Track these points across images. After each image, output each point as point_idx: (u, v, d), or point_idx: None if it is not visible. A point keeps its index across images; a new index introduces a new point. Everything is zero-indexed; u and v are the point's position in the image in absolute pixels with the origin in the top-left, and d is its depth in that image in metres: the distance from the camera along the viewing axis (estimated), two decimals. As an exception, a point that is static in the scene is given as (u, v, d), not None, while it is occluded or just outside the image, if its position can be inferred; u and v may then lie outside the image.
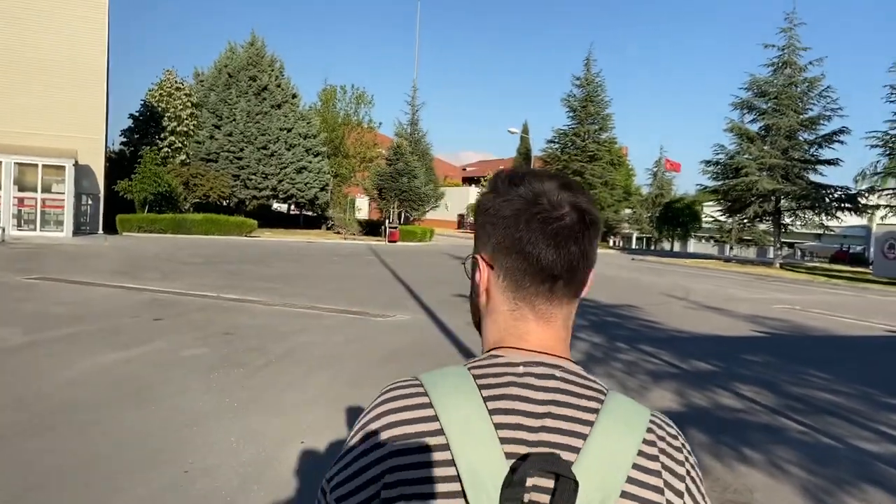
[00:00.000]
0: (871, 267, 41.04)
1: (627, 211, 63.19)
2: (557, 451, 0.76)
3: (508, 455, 0.75)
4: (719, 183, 35.27)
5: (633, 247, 67.67)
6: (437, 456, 0.76)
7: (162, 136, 40.13)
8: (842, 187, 33.05)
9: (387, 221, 37.65)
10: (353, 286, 14.04)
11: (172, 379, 5.79)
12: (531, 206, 0.85)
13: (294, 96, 44.65)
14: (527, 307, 0.86)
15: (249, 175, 39.98)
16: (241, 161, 39.68)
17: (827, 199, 32.39)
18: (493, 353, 0.86)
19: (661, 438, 0.82)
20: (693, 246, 64.68)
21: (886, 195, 30.86)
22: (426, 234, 39.28)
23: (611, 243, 68.76)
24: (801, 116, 33.12)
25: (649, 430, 0.81)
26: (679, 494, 0.80)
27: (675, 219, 56.71)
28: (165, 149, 40.54)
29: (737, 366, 7.97)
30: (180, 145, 40.71)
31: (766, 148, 33.46)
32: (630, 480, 0.77)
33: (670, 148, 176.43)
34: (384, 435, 0.79)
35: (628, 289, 17.54)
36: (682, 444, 0.84)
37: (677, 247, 63.80)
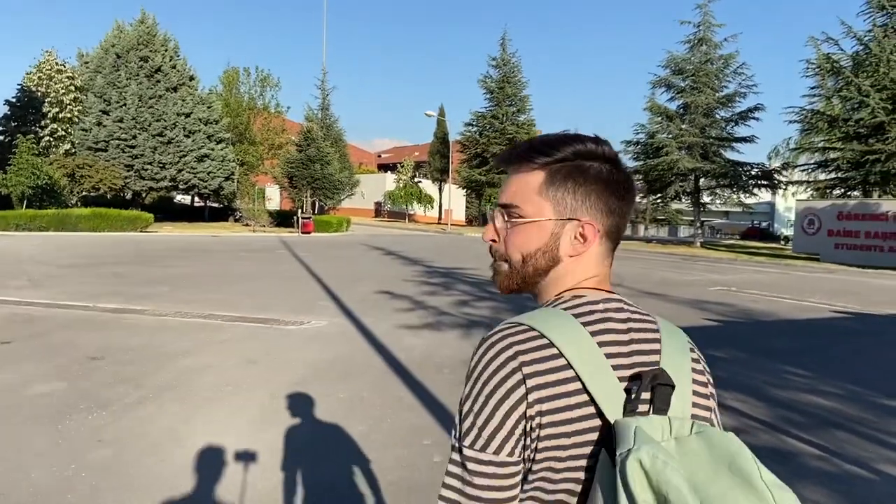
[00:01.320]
0: (789, 243, 42.81)
1: (544, 194, 63.27)
2: (646, 366, 0.93)
3: (619, 377, 0.90)
4: (640, 163, 35.34)
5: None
6: (572, 386, 0.88)
7: (42, 123, 36.72)
8: (758, 164, 33.75)
9: (299, 211, 35.76)
10: (260, 287, 12.54)
11: (1, 435, 4.32)
12: (615, 170, 1.01)
13: (192, 78, 41.79)
14: (610, 257, 1.04)
15: (144, 164, 37.11)
16: (135, 150, 36.74)
17: (744, 177, 32.96)
18: (572, 293, 0.99)
19: (700, 357, 1.05)
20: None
21: (800, 171, 31.61)
22: (342, 224, 37.67)
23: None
24: (718, 94, 33.54)
25: (692, 349, 1.03)
26: (715, 400, 1.02)
27: (594, 200, 57.02)
28: (46, 137, 37.15)
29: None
30: (63, 133, 37.43)
31: (684, 126, 33.71)
32: (693, 391, 0.97)
33: (586, 130, 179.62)
34: (524, 373, 0.88)
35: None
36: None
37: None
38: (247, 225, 40.60)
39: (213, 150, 42.06)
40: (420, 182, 65.93)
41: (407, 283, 13.69)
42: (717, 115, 34.06)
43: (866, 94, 22.77)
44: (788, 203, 46.08)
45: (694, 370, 0.99)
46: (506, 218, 1.04)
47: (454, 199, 61.76)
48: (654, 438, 0.81)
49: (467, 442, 0.89)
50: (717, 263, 23.95)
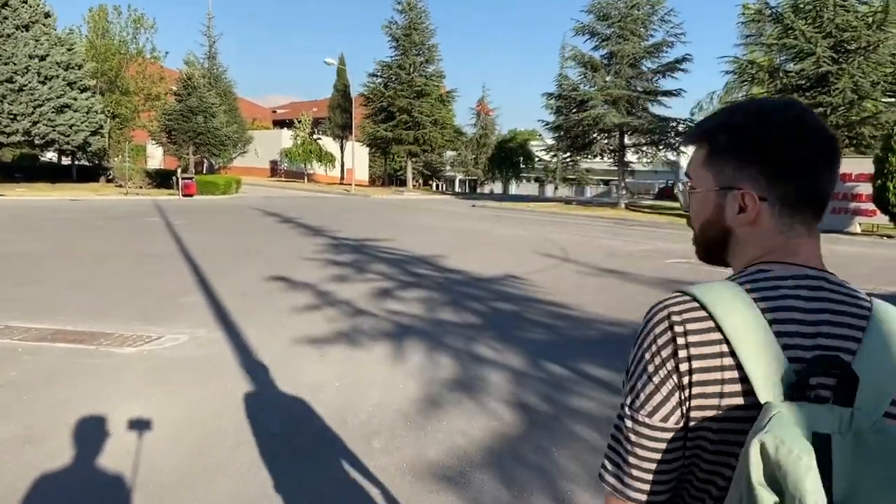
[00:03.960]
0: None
1: (451, 153, 61.22)
2: (832, 352, 0.86)
3: (791, 359, 0.85)
4: (562, 118, 33.45)
5: (458, 190, 66.06)
6: (726, 361, 0.86)
7: None
8: (685, 120, 32.64)
9: (178, 171, 31.82)
10: (104, 274, 9.56)
11: None
12: (811, 137, 0.95)
13: (48, 15, 36.54)
14: (802, 226, 0.97)
15: (-11, 116, 32.02)
16: (-25, 98, 31.56)
17: (672, 134, 31.74)
18: (759, 267, 0.96)
19: None
20: (515, 188, 64.16)
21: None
22: (231, 185, 34.01)
23: (433, 187, 66.77)
24: (645, 43, 31.98)
25: None
26: None
27: (509, 158, 55.42)
28: None
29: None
30: None
31: (609, 78, 32.04)
32: None
33: (502, 82, 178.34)
34: (677, 343, 0.89)
35: (494, 247, 14.52)
36: None
37: (505, 189, 62.93)
38: (119, 186, 36.18)
39: (75, 99, 37.16)
40: (320, 139, 62.13)
41: (308, 264, 11.03)
42: (644, 67, 32.59)
43: (813, 41, 21.54)
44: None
45: None
46: (688, 190, 1.06)
47: (358, 157, 58.52)
48: (812, 428, 0.77)
49: (627, 401, 0.93)
50: (655, 229, 22.43)
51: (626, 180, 59.58)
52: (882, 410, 0.83)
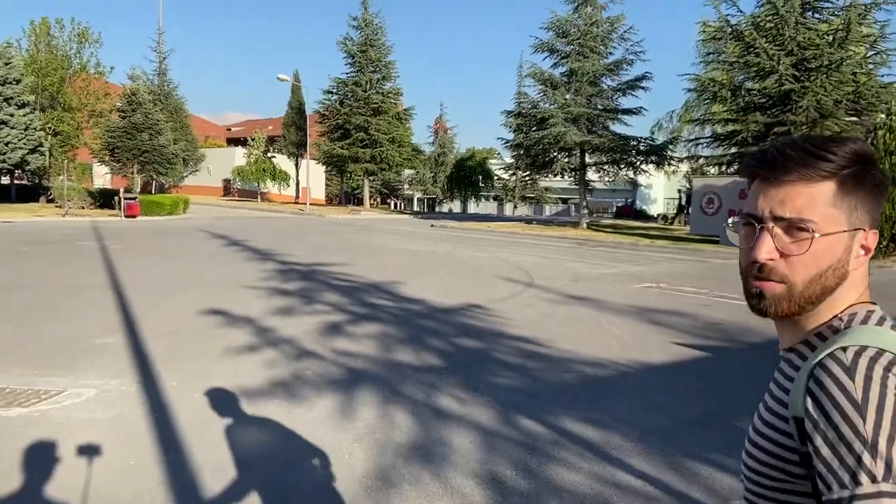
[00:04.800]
0: (667, 222, 42.59)
1: (409, 171, 60.59)
2: None
3: None
4: (522, 136, 32.99)
5: (416, 209, 65.35)
6: None
7: None
8: (646, 138, 32.48)
9: (121, 191, 30.38)
10: (14, 307, 8.49)
11: None
12: (880, 173, 1.00)
13: (-20, 26, 34.91)
14: (867, 269, 1.03)
15: (-88, 131, 30.26)
16: None
17: (633, 152, 31.51)
18: (865, 308, 1.00)
19: None
20: (475, 206, 63.80)
21: (692, 146, 30.47)
22: (178, 206, 32.64)
23: (391, 206, 65.97)
24: (605, 60, 31.79)
25: None
26: None
27: (468, 177, 54.93)
28: None
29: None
30: None
31: (569, 96, 31.74)
32: None
33: (460, 99, 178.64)
34: None
35: (454, 272, 13.74)
36: None
37: (464, 208, 62.43)
38: (59, 207, 34.46)
39: (11, 115, 35.70)
40: (274, 157, 60.82)
41: (251, 294, 10.10)
42: (604, 85, 32.39)
43: (776, 59, 21.41)
44: (650, 180, 45.69)
45: None
46: (792, 234, 0.98)
47: (313, 176, 57.38)
48: None
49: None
50: (619, 249, 21.95)
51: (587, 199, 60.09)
52: None
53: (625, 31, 31.59)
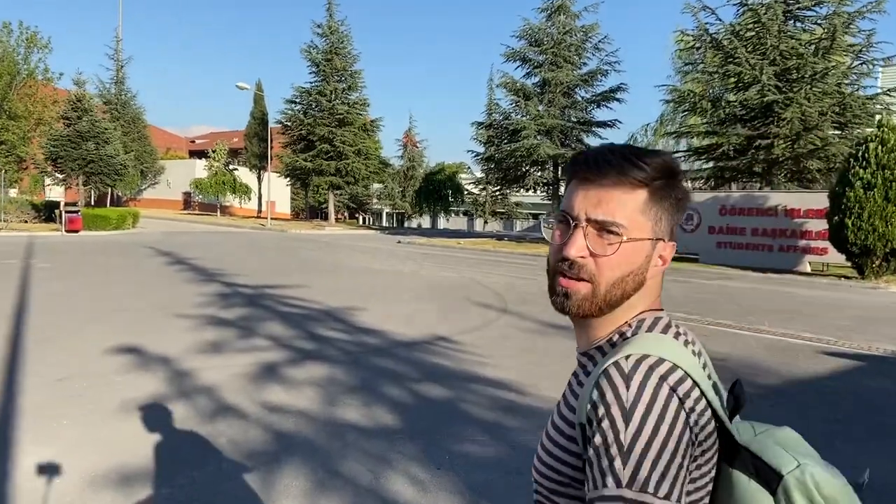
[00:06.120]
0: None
1: (377, 185, 59.32)
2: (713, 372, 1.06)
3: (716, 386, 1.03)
4: (494, 148, 31.91)
5: (385, 224, 63.98)
6: (704, 406, 0.94)
7: None
8: (621, 152, 31.66)
9: (62, 203, 28.57)
10: None
11: None
12: (684, 187, 1.05)
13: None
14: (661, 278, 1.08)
15: None
16: None
17: (608, 166, 30.59)
18: (653, 314, 1.05)
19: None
20: (444, 222, 62.60)
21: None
22: (125, 220, 30.87)
23: (359, 221, 64.57)
24: (578, 71, 30.94)
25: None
26: None
27: (437, 192, 53.76)
28: None
29: None
30: None
31: (541, 107, 30.78)
32: None
33: (426, 109, 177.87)
34: (686, 407, 0.91)
35: (420, 295, 12.47)
36: None
37: (433, 223, 61.21)
38: (4, 220, 32.52)
39: (-51, 123, 33.57)
40: (236, 170, 59.07)
41: (180, 325, 8.72)
42: (578, 96, 31.52)
43: (759, 68, 20.61)
44: None
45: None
46: (603, 235, 1.01)
47: (278, 190, 55.76)
48: (805, 452, 0.96)
49: (651, 488, 0.84)
50: (595, 267, 20.85)
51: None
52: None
53: (599, 41, 30.87)
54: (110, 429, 4.73)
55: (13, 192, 45.98)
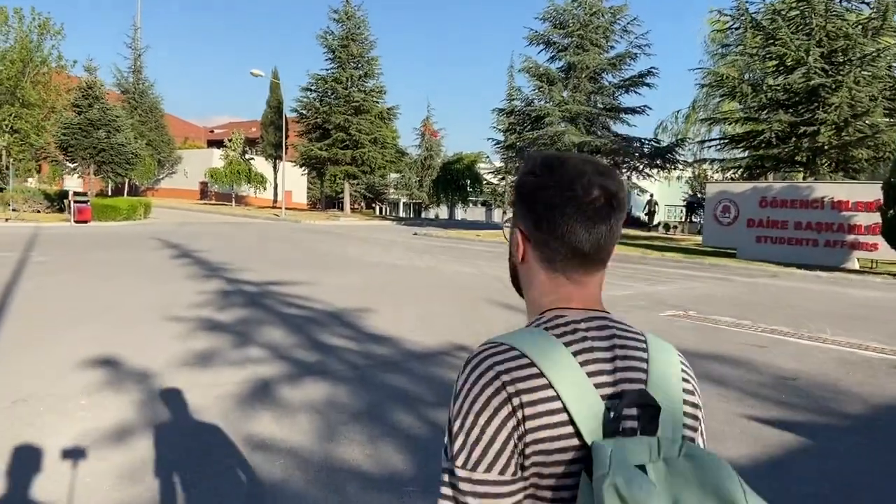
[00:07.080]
0: (669, 231, 40.37)
1: (395, 175, 58.43)
2: (631, 384, 0.96)
3: (602, 396, 0.93)
4: (515, 136, 30.82)
5: (402, 215, 63.08)
6: (553, 406, 0.90)
7: None
8: (650, 140, 30.46)
9: (70, 193, 27.98)
10: None
11: None
12: (566, 190, 0.99)
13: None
14: (562, 276, 1.03)
15: None
16: None
17: (637, 155, 29.43)
18: (554, 313, 1.02)
19: (691, 376, 1.05)
20: (462, 212, 61.49)
21: (688, 148, 28.46)
22: (136, 210, 30.23)
23: (376, 211, 63.79)
24: (606, 54, 29.74)
25: (683, 368, 1.04)
26: (703, 421, 1.05)
27: (455, 181, 52.75)
28: None
29: None
30: None
31: (566, 93, 29.64)
32: (683, 412, 0.99)
33: (441, 108, 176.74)
34: (508, 391, 0.91)
35: (436, 295, 11.54)
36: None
37: (451, 214, 60.17)
38: (15, 210, 32.06)
39: (-39, 111, 33.14)
40: (252, 159, 58.41)
41: (169, 329, 7.85)
42: (605, 81, 30.32)
43: (804, 50, 19.37)
44: (645, 185, 43.63)
45: (685, 390, 1.01)
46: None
47: (293, 179, 55.06)
48: (631, 461, 0.84)
49: (459, 462, 0.91)
50: (627, 263, 19.78)
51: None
52: (680, 435, 0.95)
53: (628, 23, 29.66)
54: (46, 475, 3.83)
55: (32, 182, 45.70)
